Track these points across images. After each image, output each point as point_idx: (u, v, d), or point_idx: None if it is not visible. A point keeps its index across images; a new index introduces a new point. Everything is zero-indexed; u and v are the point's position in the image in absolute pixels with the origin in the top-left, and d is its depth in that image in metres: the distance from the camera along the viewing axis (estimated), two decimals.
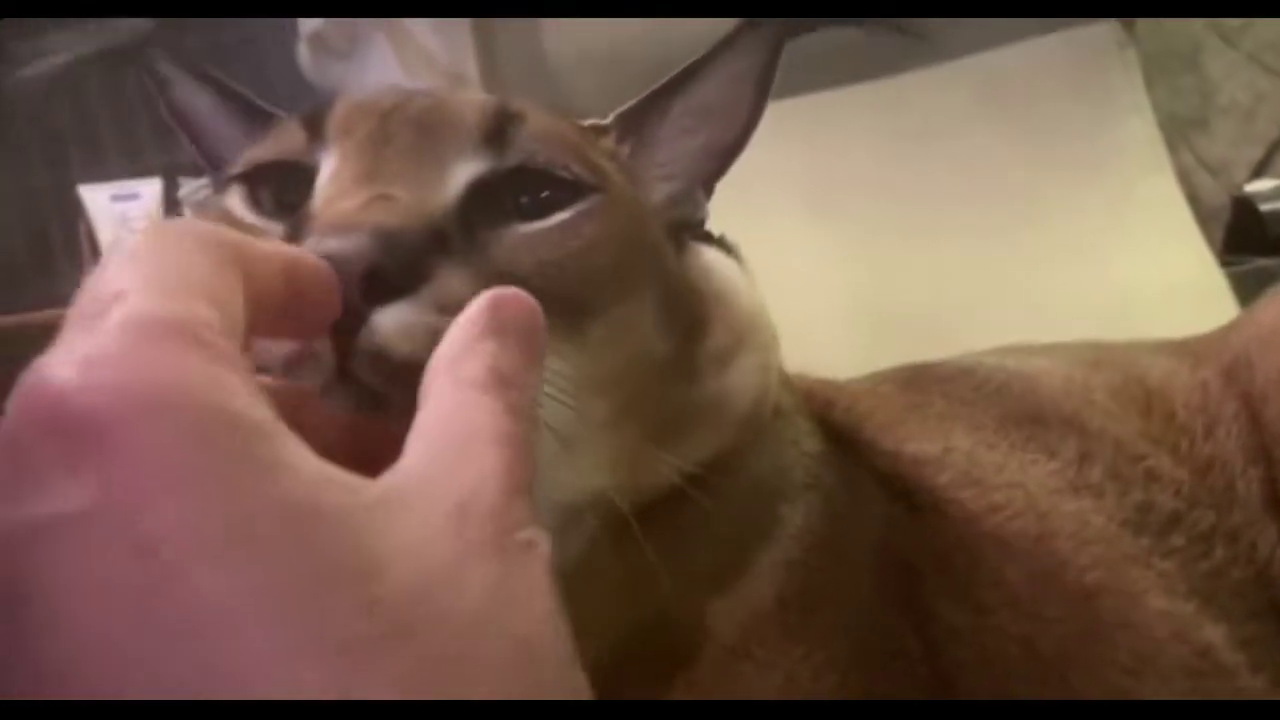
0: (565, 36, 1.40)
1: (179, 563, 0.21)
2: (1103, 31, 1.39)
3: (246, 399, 0.24)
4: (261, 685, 0.21)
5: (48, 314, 0.97)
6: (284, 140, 0.48)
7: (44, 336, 0.25)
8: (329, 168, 0.44)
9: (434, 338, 0.31)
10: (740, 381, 0.53)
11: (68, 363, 0.23)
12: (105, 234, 1.40)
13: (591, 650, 0.26)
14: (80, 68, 0.55)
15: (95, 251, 1.44)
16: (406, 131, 0.45)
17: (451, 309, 0.36)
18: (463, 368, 0.29)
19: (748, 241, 0.61)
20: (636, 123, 0.55)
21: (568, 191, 0.46)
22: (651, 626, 0.49)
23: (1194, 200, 1.36)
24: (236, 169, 0.48)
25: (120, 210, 1.39)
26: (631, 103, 0.55)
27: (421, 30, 1.32)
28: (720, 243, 0.62)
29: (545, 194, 0.46)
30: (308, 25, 1.30)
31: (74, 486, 0.22)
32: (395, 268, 0.36)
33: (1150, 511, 0.63)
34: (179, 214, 1.31)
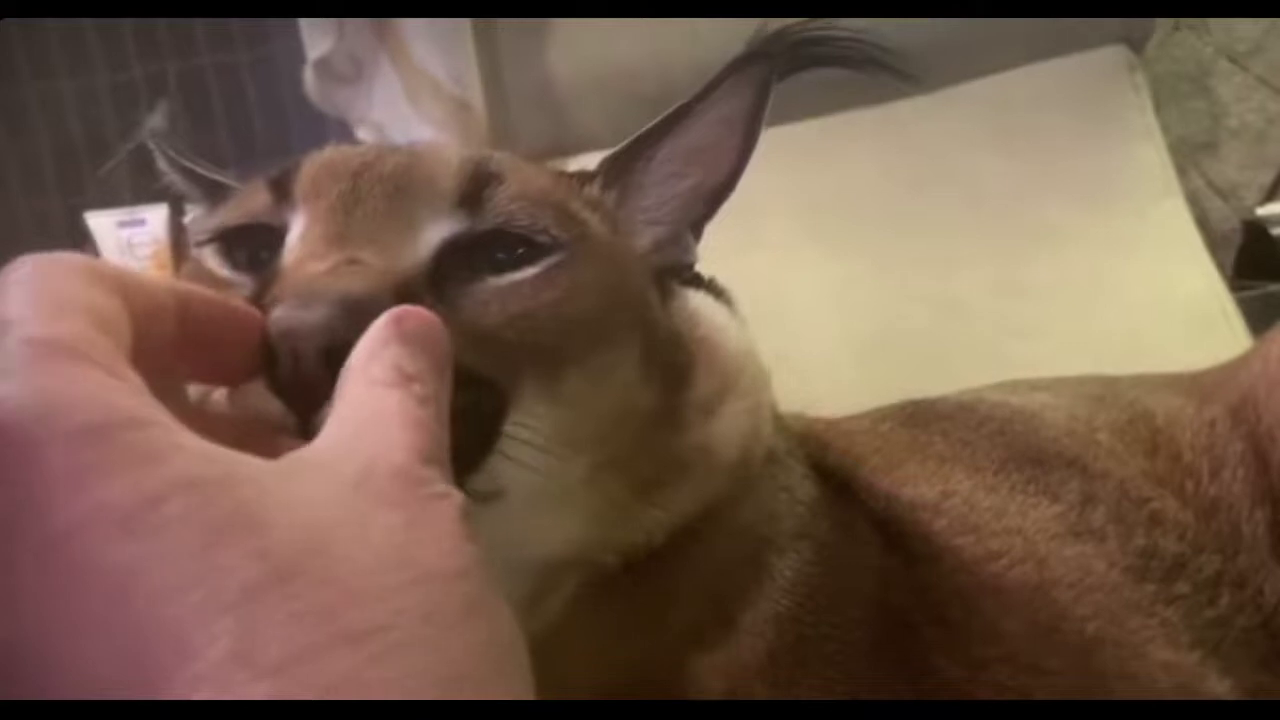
0: (570, 62, 1.40)
1: (89, 549, 0.24)
2: (1111, 54, 1.38)
3: (129, 399, 0.26)
4: (179, 642, 0.23)
5: None
6: (250, 203, 0.48)
7: None
8: (298, 228, 0.44)
9: None
10: (728, 429, 0.52)
11: None
12: (111, 259, 1.41)
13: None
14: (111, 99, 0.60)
15: None
16: (378, 193, 0.45)
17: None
18: (370, 370, 0.32)
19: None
20: (623, 168, 0.54)
21: (539, 249, 0.46)
22: (635, 682, 0.49)
23: (1204, 224, 1.35)
24: (205, 235, 0.48)
25: (126, 236, 1.40)
26: (618, 148, 0.55)
27: (426, 56, 1.32)
28: (710, 285, 0.62)
29: (520, 250, 0.45)
30: (315, 51, 1.30)
31: None
32: (357, 338, 0.36)
33: (1154, 557, 0.62)
34: (185, 240, 1.31)
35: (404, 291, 0.40)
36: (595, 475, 0.46)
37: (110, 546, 0.24)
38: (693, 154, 0.54)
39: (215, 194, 0.56)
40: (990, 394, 0.78)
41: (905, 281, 1.28)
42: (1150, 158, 1.33)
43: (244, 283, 0.45)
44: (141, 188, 1.87)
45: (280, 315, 0.36)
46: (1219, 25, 1.50)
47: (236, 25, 1.97)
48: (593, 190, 0.54)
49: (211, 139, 1.91)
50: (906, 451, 0.67)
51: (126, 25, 2.00)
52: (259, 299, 0.39)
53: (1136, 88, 1.37)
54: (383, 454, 0.29)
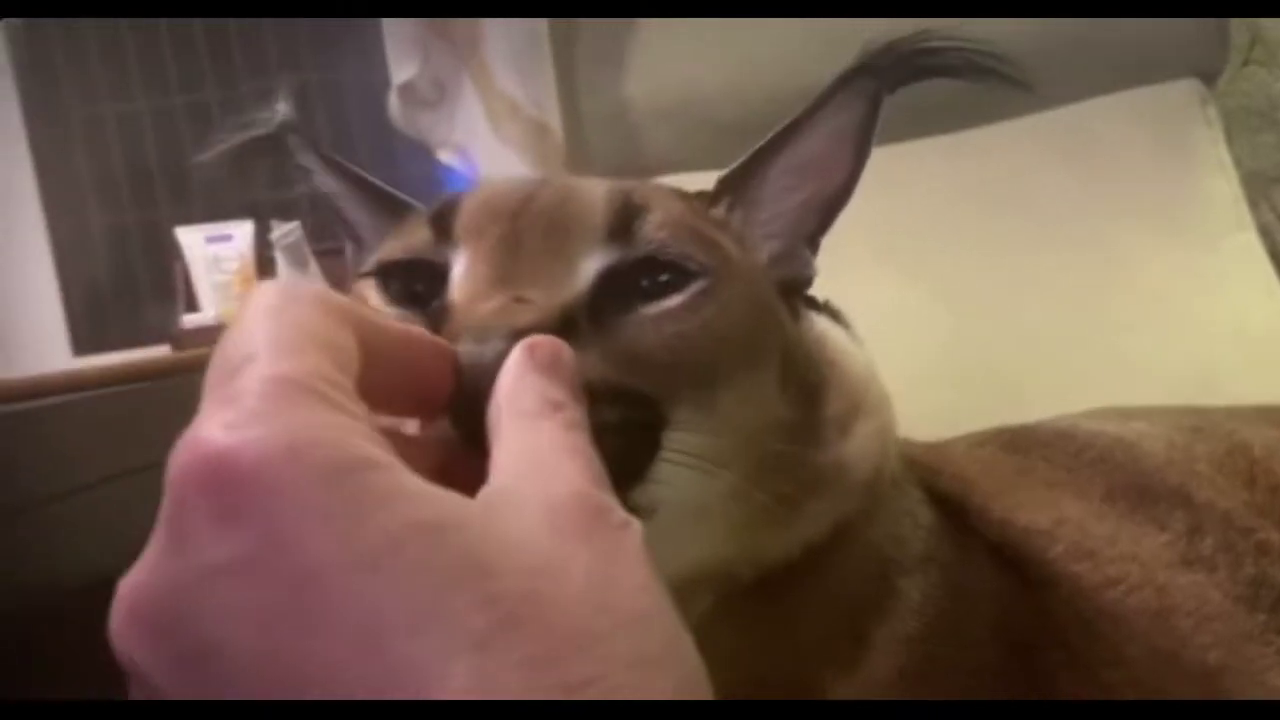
0: (644, 87, 1.43)
1: (332, 589, 0.24)
2: (1184, 88, 1.39)
3: (364, 440, 0.27)
4: (412, 687, 0.24)
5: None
6: (411, 239, 0.50)
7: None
8: (461, 267, 0.46)
9: None
10: (860, 448, 0.53)
11: (213, 425, 0.26)
12: (199, 273, 1.45)
13: None
14: (242, 155, 0.60)
15: (188, 290, 1.49)
16: (536, 233, 0.46)
17: (589, 396, 0.39)
18: (518, 403, 0.33)
19: (819, 292, 0.61)
20: (739, 185, 0.56)
21: (685, 274, 0.47)
22: (767, 697, 0.50)
23: (1275, 257, 1.35)
24: (368, 267, 0.50)
25: (214, 251, 1.44)
26: (733, 166, 0.56)
27: (507, 80, 1.35)
28: (828, 308, 0.63)
29: (666, 277, 0.47)
30: (399, 76, 1.34)
31: (234, 536, 0.25)
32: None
33: (1263, 586, 0.62)
34: (270, 256, 1.34)
35: (568, 323, 0.41)
36: (738, 491, 0.47)
37: (358, 584, 0.25)
38: (806, 168, 0.55)
39: (378, 205, 0.58)
40: (1086, 422, 0.79)
41: (977, 308, 1.29)
42: (1223, 190, 1.34)
43: (406, 317, 0.46)
44: (218, 204, 1.92)
45: (465, 353, 0.37)
46: None
47: (308, 46, 2.01)
48: (719, 211, 0.55)
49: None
50: (1013, 477, 0.68)
51: (201, 47, 2.05)
52: (434, 334, 0.41)
53: (1209, 121, 1.37)
54: (559, 487, 0.29)
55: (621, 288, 0.46)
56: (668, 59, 1.44)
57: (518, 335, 0.38)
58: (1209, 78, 1.41)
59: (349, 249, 0.62)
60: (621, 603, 0.27)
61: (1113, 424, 0.78)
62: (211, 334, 1.52)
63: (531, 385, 0.34)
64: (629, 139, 1.41)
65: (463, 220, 0.48)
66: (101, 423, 0.79)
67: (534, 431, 0.32)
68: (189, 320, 1.43)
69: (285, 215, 1.39)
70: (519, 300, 0.42)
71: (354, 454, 0.26)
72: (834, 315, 0.63)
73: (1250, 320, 1.26)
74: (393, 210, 0.57)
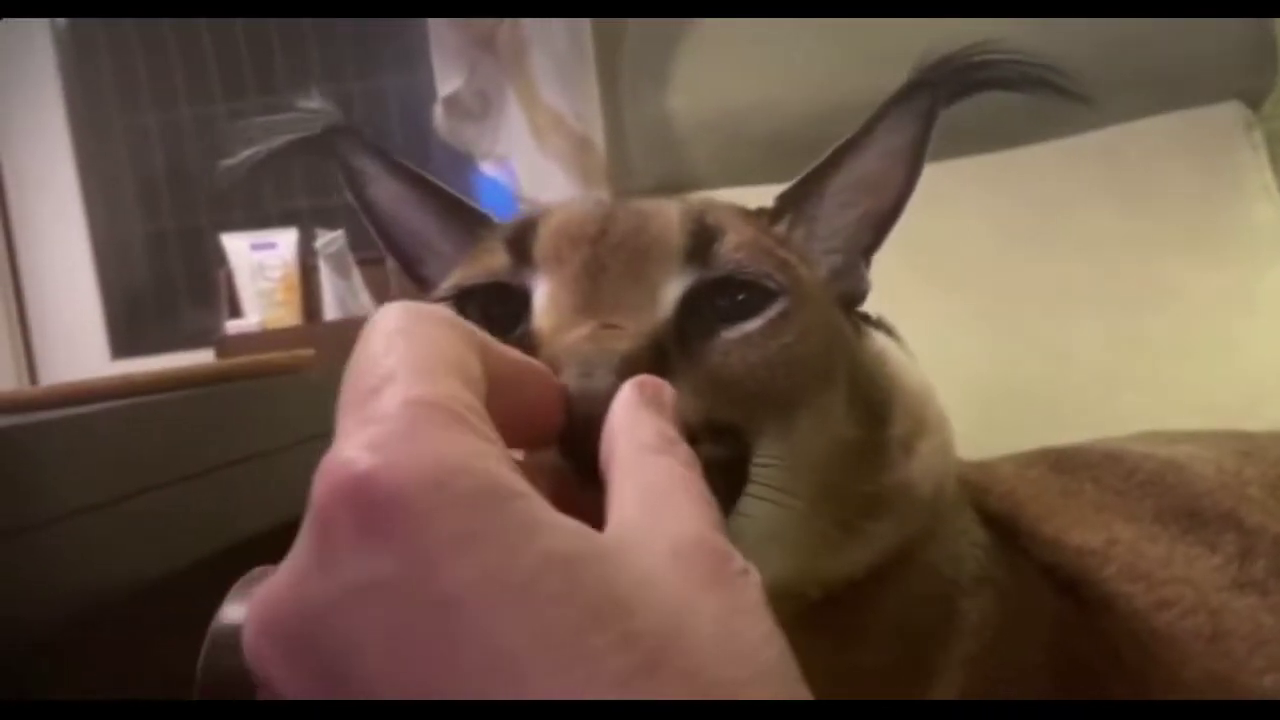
0: (687, 103, 1.43)
1: (472, 614, 0.24)
2: (1228, 111, 1.38)
3: (505, 467, 0.27)
4: None
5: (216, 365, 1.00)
6: (488, 263, 0.50)
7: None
8: (544, 292, 0.46)
9: None
10: (925, 466, 0.54)
11: (360, 447, 0.26)
12: (244, 280, 1.47)
13: None
14: (276, 158, 0.55)
15: (232, 296, 1.50)
16: (618, 259, 0.46)
17: (683, 429, 0.39)
18: (637, 436, 0.33)
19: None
20: (799, 202, 0.56)
21: (762, 294, 0.48)
22: None
23: None
24: (444, 291, 0.50)
25: (259, 259, 1.45)
26: (792, 183, 0.56)
27: (549, 91, 1.36)
28: (881, 324, 0.63)
29: (742, 297, 0.47)
30: (445, 88, 1.35)
31: (379, 556, 0.24)
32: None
33: None
34: (314, 264, 1.35)
35: (660, 350, 0.42)
36: (810, 511, 0.47)
37: (501, 615, 0.24)
38: (862, 184, 0.56)
39: (445, 210, 0.57)
40: (1133, 445, 0.79)
41: (1016, 330, 1.29)
42: (1267, 215, 1.33)
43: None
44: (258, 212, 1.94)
45: (570, 384, 0.37)
46: None
47: (352, 57, 2.03)
48: (781, 228, 0.55)
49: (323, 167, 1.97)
50: (1062, 498, 0.68)
51: (244, 55, 2.07)
52: None
53: (1254, 146, 1.36)
54: (685, 528, 0.29)
55: (701, 310, 0.46)
56: (710, 73, 1.45)
57: (624, 365, 0.38)
58: (1254, 101, 1.41)
59: (389, 261, 0.61)
60: (752, 653, 0.27)
61: (1162, 447, 0.77)
62: (255, 340, 1.54)
63: (648, 420, 0.34)
64: (671, 153, 1.42)
65: (541, 245, 0.48)
66: (144, 430, 0.79)
67: (654, 467, 0.32)
68: (233, 326, 1.45)
69: (329, 223, 1.41)
70: (608, 327, 0.42)
71: (498, 481, 0.26)
72: (888, 331, 0.63)
73: None
74: (465, 219, 0.56)
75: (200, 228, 1.94)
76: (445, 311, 0.32)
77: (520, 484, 0.26)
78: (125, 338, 1.99)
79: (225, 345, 1.39)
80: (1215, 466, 0.73)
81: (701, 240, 0.48)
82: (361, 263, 1.31)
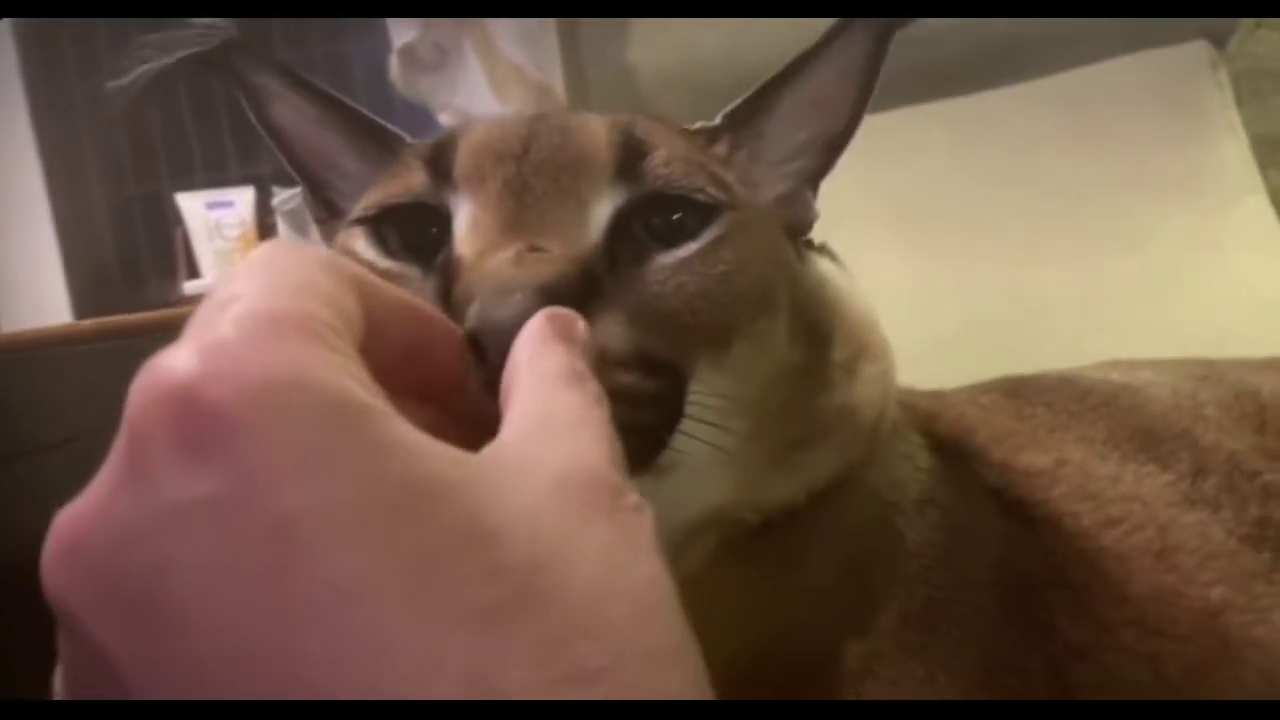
0: (649, 55, 1.41)
1: (312, 543, 0.21)
2: (1194, 50, 1.37)
3: (358, 384, 0.24)
4: (404, 661, 0.21)
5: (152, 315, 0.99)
6: (407, 181, 0.47)
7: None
8: (466, 214, 0.44)
9: None
10: (866, 391, 0.53)
11: (187, 354, 0.23)
12: (200, 240, 1.44)
13: (714, 665, 0.26)
14: (168, 78, 0.51)
15: (189, 256, 1.48)
16: (544, 176, 0.44)
17: (610, 360, 0.38)
18: (542, 365, 0.31)
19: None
20: (745, 120, 0.54)
21: (699, 213, 0.46)
22: (769, 638, 0.49)
23: None
24: (360, 212, 0.47)
25: (215, 217, 1.43)
26: (739, 100, 0.55)
27: (508, 44, 1.34)
28: (824, 250, 0.62)
29: (677, 216, 0.45)
30: (399, 39, 1.33)
31: (201, 473, 0.22)
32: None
33: (1269, 527, 0.61)
34: (272, 223, 1.33)
35: (588, 276, 0.40)
36: (750, 437, 0.46)
37: (339, 544, 0.22)
38: (812, 105, 0.54)
39: (356, 127, 0.54)
40: (1090, 370, 0.78)
41: (984, 275, 1.28)
42: (1233, 154, 1.32)
43: (408, 271, 0.44)
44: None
45: (482, 311, 0.36)
46: None
47: (313, 21, 2.00)
48: (721, 148, 0.54)
49: None
50: (1014, 421, 0.67)
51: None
52: (445, 294, 0.40)
53: (1219, 84, 1.35)
54: (578, 459, 0.27)
55: (632, 231, 0.44)
56: (671, 27, 1.43)
57: (542, 292, 0.36)
58: (1219, 40, 1.40)
59: (304, 193, 0.57)
60: (634, 592, 0.25)
61: (1118, 373, 0.77)
62: None
63: (557, 352, 0.32)
64: (633, 104, 1.40)
65: (462, 163, 0.46)
66: (96, 375, 0.78)
67: (554, 397, 0.30)
68: (190, 287, 1.43)
69: (287, 182, 1.39)
70: (533, 250, 0.40)
71: (345, 396, 0.23)
72: (832, 256, 0.62)
73: (1261, 285, 1.24)
74: (377, 138, 0.54)
75: (161, 192, 1.91)
76: (321, 251, 0.30)
77: (372, 401, 0.24)
78: (89, 306, 1.97)
79: (182, 306, 1.37)
80: (1171, 389, 0.73)
81: (631, 154, 0.46)
82: (319, 220, 1.29)
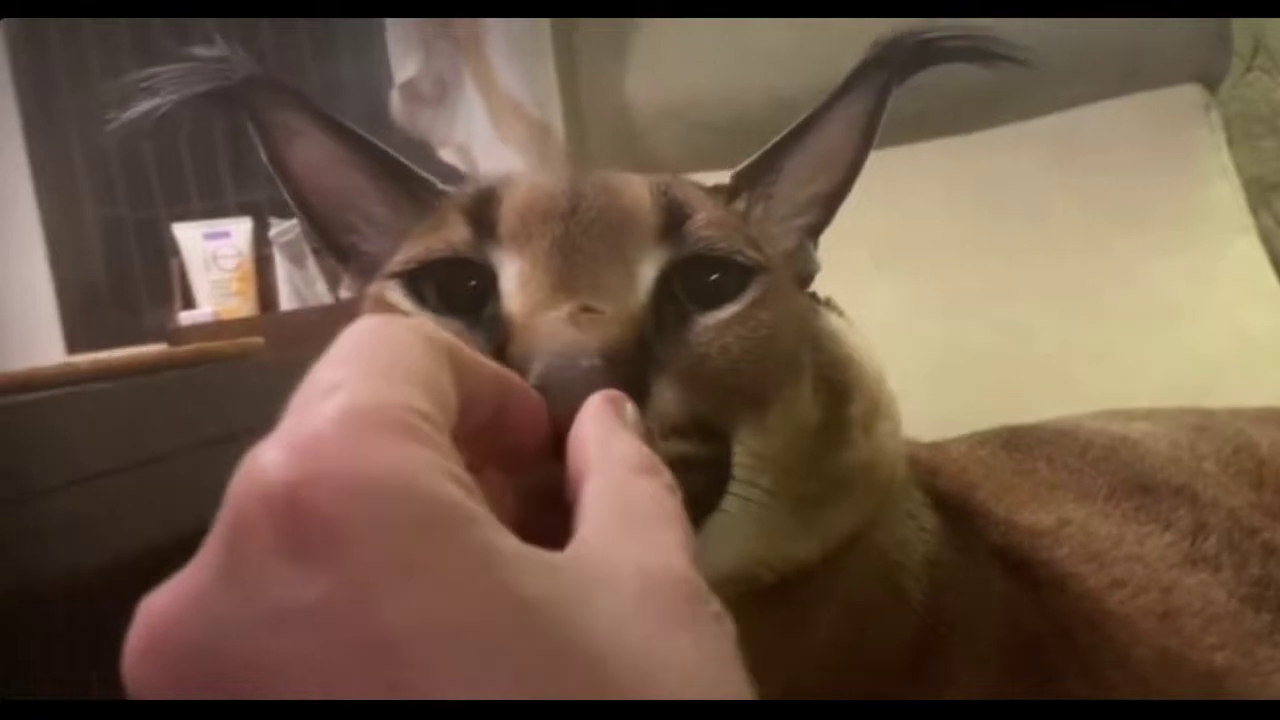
0: (646, 90, 1.43)
1: (414, 660, 0.21)
2: (1186, 93, 1.39)
3: (458, 487, 0.24)
4: None
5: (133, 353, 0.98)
6: (446, 235, 0.46)
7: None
8: (514, 271, 0.43)
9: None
10: (881, 447, 0.52)
11: (289, 451, 0.23)
12: (196, 271, 1.44)
13: None
14: (180, 110, 0.50)
15: (185, 287, 1.48)
16: (593, 237, 0.44)
17: (668, 427, 0.38)
18: (613, 449, 0.30)
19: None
20: (757, 180, 0.55)
21: (738, 275, 0.46)
22: (776, 696, 0.49)
23: (1275, 262, 1.35)
24: (399, 266, 0.47)
25: (212, 248, 1.43)
26: (751, 159, 0.55)
27: (509, 81, 1.35)
28: (830, 304, 0.62)
29: (714, 277, 0.46)
30: (401, 74, 1.33)
31: (304, 579, 0.21)
32: (628, 387, 0.36)
33: (1270, 586, 0.62)
34: (268, 254, 1.33)
35: (642, 340, 0.40)
36: (773, 495, 0.46)
37: (439, 664, 0.21)
38: (817, 162, 0.55)
39: (369, 155, 0.53)
40: (1088, 421, 0.79)
41: (977, 312, 1.29)
42: (1225, 196, 1.33)
43: (447, 325, 0.43)
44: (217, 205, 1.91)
45: (548, 373, 0.35)
46: None
47: (305, 41, 2.00)
48: (739, 205, 0.54)
49: None
50: (1014, 478, 0.67)
51: (198, 42, 2.04)
52: (498, 351, 0.39)
53: (1211, 127, 1.37)
54: (659, 560, 0.26)
55: (674, 292, 0.45)
56: (667, 61, 1.44)
57: (605, 355, 0.36)
58: (1211, 83, 1.41)
59: (302, 225, 0.55)
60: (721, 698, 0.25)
61: (1116, 424, 0.77)
62: (208, 331, 1.52)
63: (624, 437, 0.31)
64: (630, 140, 1.41)
65: (508, 219, 0.45)
66: (94, 417, 0.78)
67: (630, 486, 0.29)
68: (185, 317, 1.42)
69: (284, 212, 1.39)
70: (586, 310, 0.40)
71: (447, 502, 0.23)
72: (838, 311, 0.63)
73: (1251, 325, 1.26)
74: (404, 181, 0.52)
75: (157, 218, 1.91)
76: (415, 322, 0.29)
77: (474, 507, 0.24)
78: (82, 331, 1.96)
79: (178, 337, 1.37)
80: (1169, 442, 0.73)
81: (674, 216, 0.46)
82: (316, 251, 1.29)
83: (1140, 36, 1.39)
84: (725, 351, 0.43)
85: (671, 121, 1.43)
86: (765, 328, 0.45)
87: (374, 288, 0.48)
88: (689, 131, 1.41)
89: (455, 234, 0.46)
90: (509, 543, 0.24)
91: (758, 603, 0.48)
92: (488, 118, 1.31)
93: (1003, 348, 1.25)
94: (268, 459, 0.23)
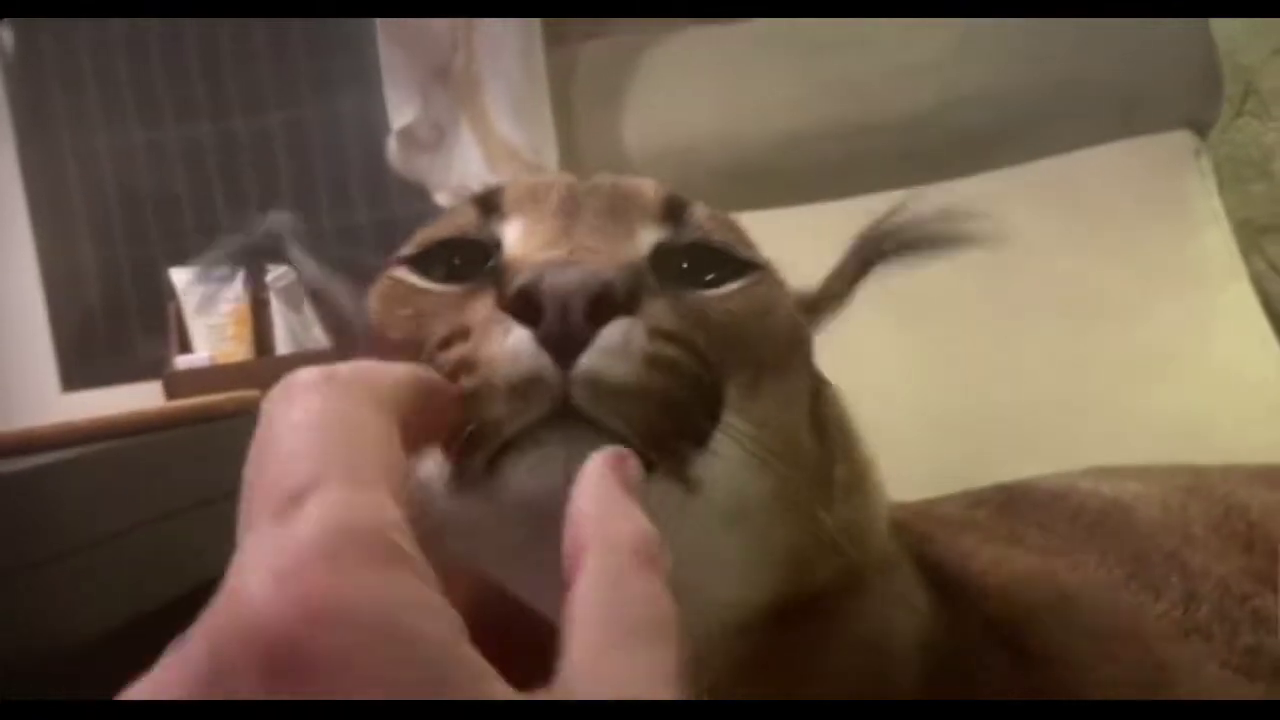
0: (642, 135, 1.44)
1: None
2: (1177, 139, 1.40)
3: (434, 615, 0.24)
4: None
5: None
6: (456, 219, 0.49)
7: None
8: (516, 232, 0.46)
9: (648, 362, 0.37)
10: (866, 518, 0.53)
11: (265, 574, 0.23)
12: (193, 314, 1.45)
13: None
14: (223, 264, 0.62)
15: (181, 330, 1.49)
16: (595, 202, 0.46)
17: (662, 334, 0.39)
18: (611, 530, 0.30)
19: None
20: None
21: (736, 268, 0.47)
22: None
23: (1268, 306, 1.36)
24: (407, 250, 0.48)
25: (208, 292, 1.44)
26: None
27: (504, 124, 1.36)
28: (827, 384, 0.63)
29: (714, 272, 0.47)
30: (399, 120, 1.34)
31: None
32: (620, 288, 0.38)
33: (1260, 655, 0.62)
34: (265, 299, 1.34)
35: (639, 278, 0.41)
36: (780, 496, 0.46)
37: None
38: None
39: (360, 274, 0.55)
40: (1081, 481, 0.79)
41: (968, 359, 1.29)
42: (1216, 241, 1.34)
43: (448, 290, 0.45)
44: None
45: (537, 277, 0.37)
46: None
47: (305, 82, 2.02)
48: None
49: (276, 194, 1.95)
50: (1008, 546, 0.67)
51: (196, 80, 2.05)
52: (502, 295, 0.39)
53: (1202, 172, 1.38)
54: (644, 690, 0.26)
55: (670, 272, 0.45)
56: (665, 104, 1.45)
57: (598, 276, 0.38)
58: (1202, 129, 1.43)
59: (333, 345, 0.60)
60: None
61: (1108, 485, 0.77)
62: (204, 375, 1.51)
63: (631, 513, 0.30)
64: None
65: (512, 194, 0.48)
66: (92, 482, 0.78)
67: (627, 585, 0.28)
68: (182, 361, 1.43)
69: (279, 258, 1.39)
70: (586, 249, 0.41)
71: (436, 645, 0.23)
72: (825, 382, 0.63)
73: (1244, 370, 1.26)
74: None
75: (154, 257, 1.91)
76: (359, 376, 0.30)
77: (450, 637, 0.24)
78: (77, 368, 1.96)
79: (174, 381, 1.37)
80: (1160, 504, 0.73)
81: (675, 205, 0.48)
82: (313, 296, 1.29)
83: (1130, 81, 1.41)
84: (722, 303, 0.45)
85: (668, 165, 1.44)
86: (762, 303, 0.46)
87: (384, 272, 0.49)
88: (686, 175, 1.42)
89: (462, 219, 0.48)
90: (495, 686, 0.24)
91: (727, 694, 0.48)
92: (484, 163, 1.32)
93: (995, 397, 1.26)
94: (251, 589, 0.23)
